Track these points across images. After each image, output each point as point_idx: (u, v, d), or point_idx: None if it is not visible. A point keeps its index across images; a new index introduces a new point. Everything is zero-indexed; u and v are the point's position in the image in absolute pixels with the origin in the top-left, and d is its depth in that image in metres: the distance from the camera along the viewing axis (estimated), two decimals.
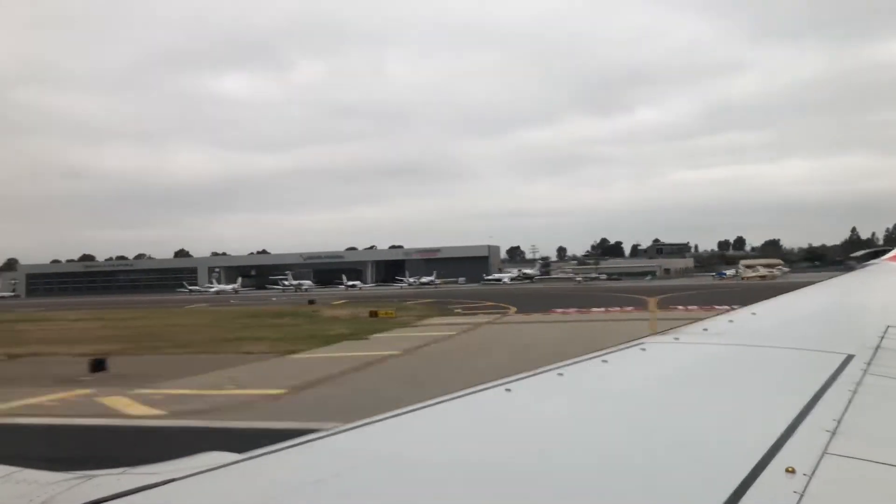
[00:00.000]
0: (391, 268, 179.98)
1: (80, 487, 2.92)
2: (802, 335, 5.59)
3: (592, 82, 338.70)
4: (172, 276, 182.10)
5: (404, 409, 3.06)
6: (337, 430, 2.84)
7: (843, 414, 2.92)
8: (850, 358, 4.13)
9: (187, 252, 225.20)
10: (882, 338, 4.96)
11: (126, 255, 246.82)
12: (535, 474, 2.36)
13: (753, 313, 6.58)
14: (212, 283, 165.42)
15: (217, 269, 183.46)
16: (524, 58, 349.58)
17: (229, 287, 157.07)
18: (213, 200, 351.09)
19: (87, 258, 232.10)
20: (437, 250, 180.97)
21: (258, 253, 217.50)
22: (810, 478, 2.17)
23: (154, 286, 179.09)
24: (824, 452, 2.44)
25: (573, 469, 2.42)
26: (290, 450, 2.67)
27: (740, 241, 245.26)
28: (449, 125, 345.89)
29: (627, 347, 4.41)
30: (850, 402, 3.14)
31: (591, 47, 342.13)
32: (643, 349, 4.40)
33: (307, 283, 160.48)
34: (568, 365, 3.82)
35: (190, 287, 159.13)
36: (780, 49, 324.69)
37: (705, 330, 5.23)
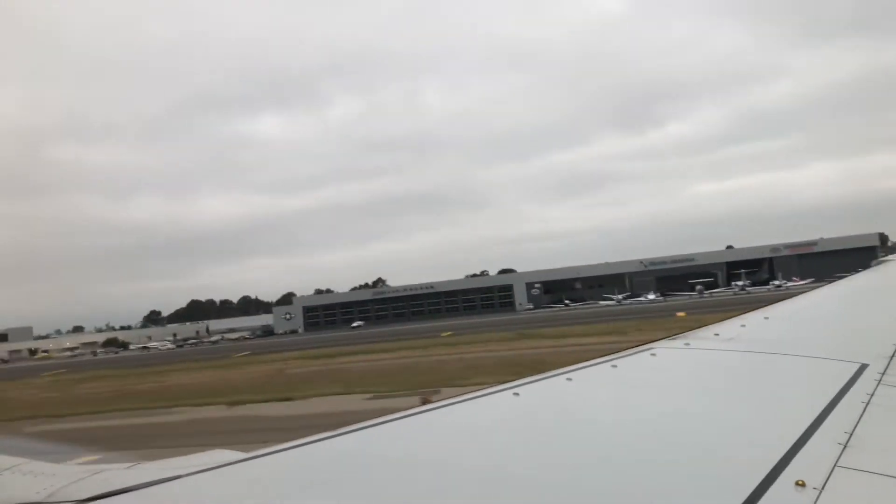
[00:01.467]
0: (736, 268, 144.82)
1: (87, 481, 2.93)
2: (815, 342, 5.52)
3: (625, 98, 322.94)
4: (480, 294, 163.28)
5: (410, 412, 3.05)
6: (343, 431, 2.83)
7: (856, 426, 2.87)
8: (863, 367, 4.07)
9: (508, 269, 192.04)
10: None
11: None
12: (541, 479, 2.34)
13: (766, 317, 6.49)
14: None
15: (537, 285, 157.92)
16: (557, 78, 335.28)
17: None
18: (244, 243, 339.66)
19: (377, 283, 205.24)
20: (814, 243, 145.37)
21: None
22: (821, 491, 2.14)
23: (473, 307, 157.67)
24: (835, 465, 2.40)
25: (578, 475, 2.39)
26: (295, 450, 2.67)
27: None
28: (481, 151, 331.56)
29: (637, 352, 4.38)
30: (862, 413, 3.09)
31: (622, 63, 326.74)
32: (653, 354, 4.36)
33: (649, 295, 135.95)
34: (577, 370, 3.80)
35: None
36: (816, 51, 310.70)
37: (716, 335, 5.17)
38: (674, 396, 3.58)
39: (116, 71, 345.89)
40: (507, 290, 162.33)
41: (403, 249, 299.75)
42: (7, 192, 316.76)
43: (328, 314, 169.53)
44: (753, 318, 6.38)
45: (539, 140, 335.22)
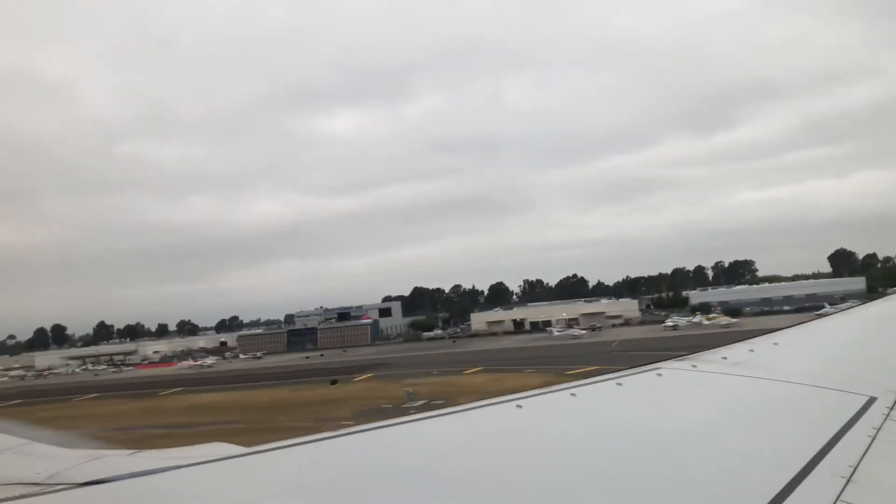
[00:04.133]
0: None
1: (88, 465, 2.96)
2: (823, 371, 5.46)
3: (703, 99, 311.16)
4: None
5: (411, 418, 3.06)
6: (345, 432, 2.84)
7: (860, 460, 2.84)
8: (871, 400, 4.02)
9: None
10: None
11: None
12: (540, 492, 2.34)
13: (775, 343, 6.43)
14: None
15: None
16: (641, 76, 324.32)
17: None
18: (271, 248, 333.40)
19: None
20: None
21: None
22: None
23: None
24: (838, 499, 2.38)
25: (578, 490, 2.39)
26: (296, 447, 2.68)
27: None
28: (542, 153, 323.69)
29: (643, 371, 4.35)
30: (868, 448, 3.05)
31: (713, 61, 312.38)
32: (659, 374, 4.33)
33: None
34: (582, 385, 3.78)
35: None
36: None
37: (724, 358, 5.13)
38: (677, 418, 3.55)
39: (203, 64, 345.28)
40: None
41: (430, 255, 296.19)
42: (68, 188, 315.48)
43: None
44: (763, 344, 6.32)
45: (603, 142, 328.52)
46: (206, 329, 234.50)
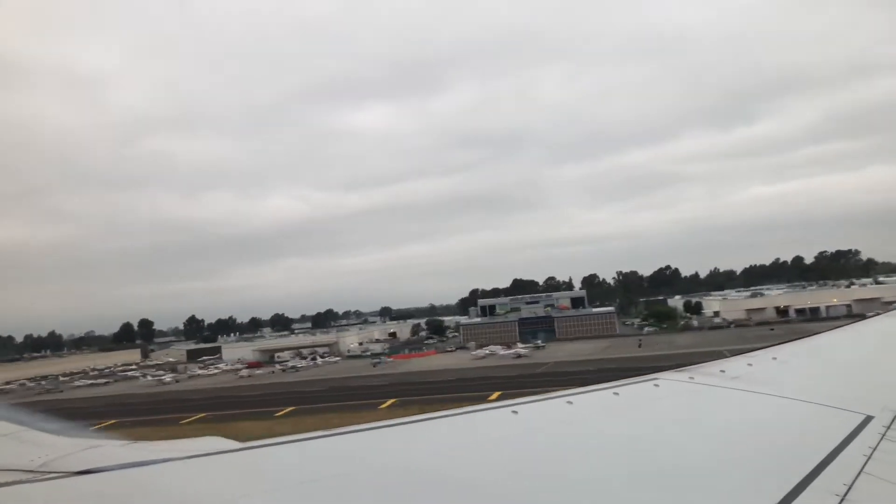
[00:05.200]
0: None
1: (81, 454, 2.97)
2: (821, 388, 5.45)
3: (728, 92, 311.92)
4: None
5: (407, 419, 3.06)
6: (339, 431, 2.85)
7: (855, 479, 2.83)
8: (868, 419, 4.01)
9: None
10: None
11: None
12: (532, 497, 2.34)
13: (774, 357, 6.41)
14: None
15: None
16: (674, 68, 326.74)
17: None
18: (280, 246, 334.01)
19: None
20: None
21: None
22: None
23: None
24: None
25: (570, 497, 2.39)
26: (289, 445, 2.69)
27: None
28: (562, 148, 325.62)
29: (641, 381, 4.34)
30: (863, 467, 3.04)
31: (746, 53, 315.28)
32: (656, 385, 4.33)
33: None
34: (578, 393, 3.78)
35: None
36: None
37: (722, 371, 5.12)
38: (673, 430, 3.55)
39: (237, 57, 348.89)
40: None
41: (429, 254, 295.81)
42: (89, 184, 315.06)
43: None
44: (761, 358, 6.31)
45: (623, 136, 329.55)
46: (296, 321, 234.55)
